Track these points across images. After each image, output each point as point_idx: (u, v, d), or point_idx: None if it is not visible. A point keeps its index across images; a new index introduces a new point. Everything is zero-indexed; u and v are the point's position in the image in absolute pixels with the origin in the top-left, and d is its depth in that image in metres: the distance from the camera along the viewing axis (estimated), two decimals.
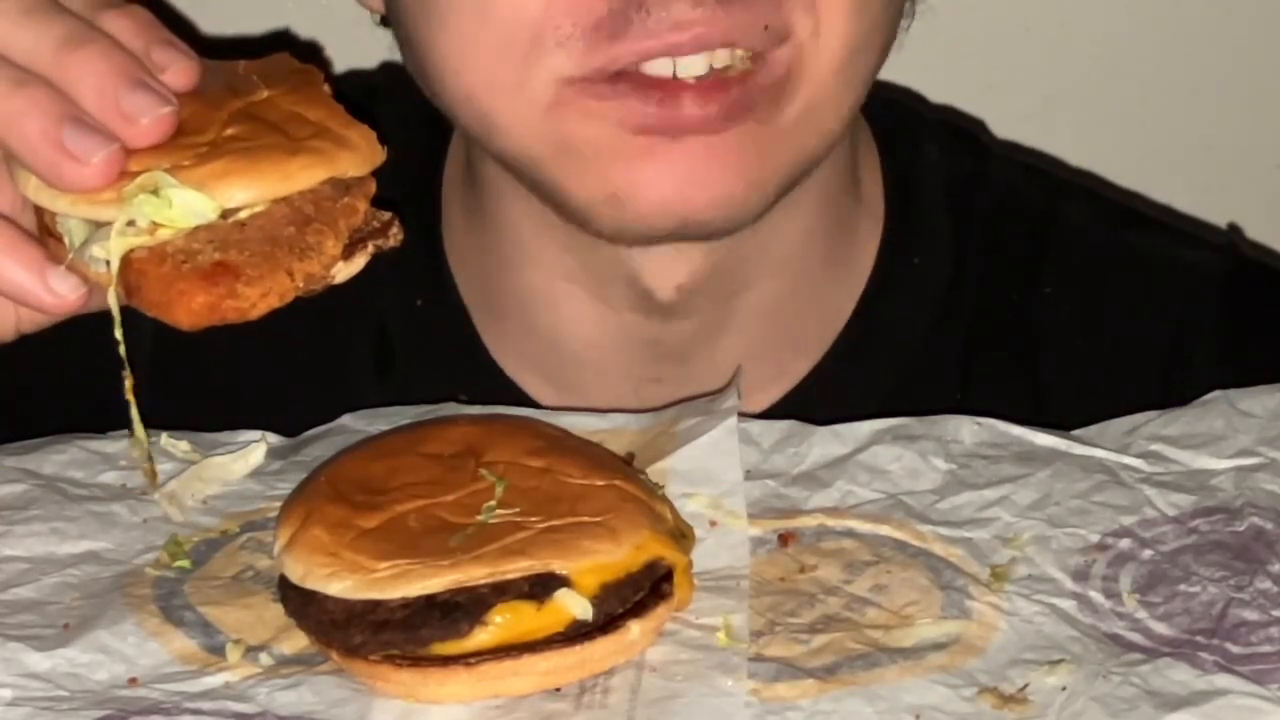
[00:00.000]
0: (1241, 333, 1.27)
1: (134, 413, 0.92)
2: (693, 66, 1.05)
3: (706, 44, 1.04)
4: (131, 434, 0.94)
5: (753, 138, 1.07)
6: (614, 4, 1.03)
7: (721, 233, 1.11)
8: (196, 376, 1.22)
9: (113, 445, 1.05)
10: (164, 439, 1.05)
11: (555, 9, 1.04)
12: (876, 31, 1.10)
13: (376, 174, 0.92)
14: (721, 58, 1.05)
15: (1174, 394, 1.08)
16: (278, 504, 0.96)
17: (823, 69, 1.07)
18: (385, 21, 1.20)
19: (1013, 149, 1.45)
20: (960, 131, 1.36)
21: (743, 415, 1.04)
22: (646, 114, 1.05)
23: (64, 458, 1.04)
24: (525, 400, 1.23)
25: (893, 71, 1.17)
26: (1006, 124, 1.55)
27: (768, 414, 1.13)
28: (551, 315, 1.23)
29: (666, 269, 1.17)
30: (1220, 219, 1.59)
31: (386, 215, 0.92)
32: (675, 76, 1.05)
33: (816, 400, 1.15)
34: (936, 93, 1.47)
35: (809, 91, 1.08)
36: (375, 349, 1.27)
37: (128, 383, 0.91)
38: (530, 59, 1.06)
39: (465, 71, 1.08)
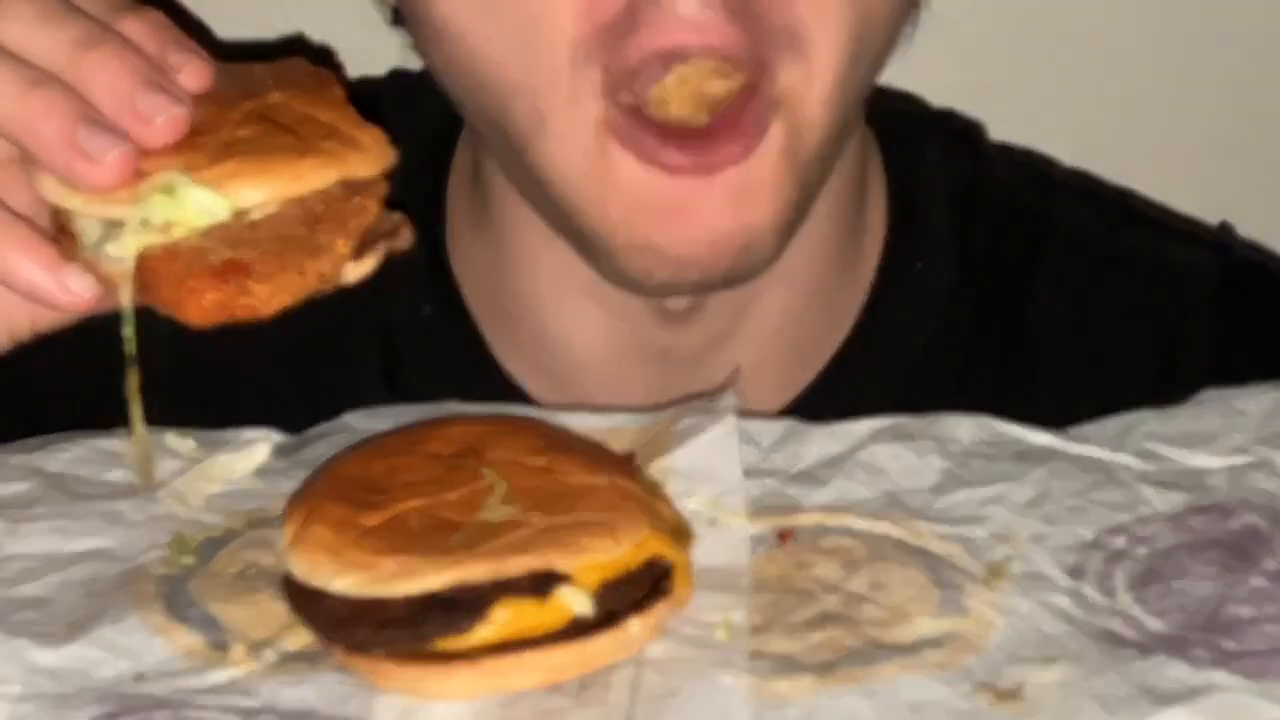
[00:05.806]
0: (1236, 332, 1.27)
1: (135, 410, 0.93)
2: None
3: (713, 49, 1.04)
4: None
5: (774, 156, 1.07)
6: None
7: (747, 275, 1.11)
8: (204, 389, 1.22)
9: (120, 443, 1.06)
10: (169, 437, 1.06)
11: (579, 8, 1.04)
12: (865, 60, 1.10)
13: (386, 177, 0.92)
14: (716, 85, 1.05)
15: (1169, 393, 1.08)
16: (282, 502, 0.96)
17: (811, 103, 1.07)
18: (398, 20, 1.20)
19: (1012, 149, 1.45)
20: (961, 133, 1.36)
21: (742, 414, 1.04)
22: (679, 156, 1.05)
23: (70, 455, 1.05)
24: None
25: (892, 72, 1.17)
26: (1006, 124, 1.54)
27: None
28: (560, 323, 1.23)
29: None
30: (1220, 219, 1.59)
31: (397, 216, 0.92)
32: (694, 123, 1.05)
33: (821, 408, 1.15)
34: (936, 93, 1.47)
35: (796, 120, 1.08)
36: (382, 358, 1.27)
37: (132, 380, 0.92)
38: (576, 61, 1.05)
39: (516, 66, 1.06)
